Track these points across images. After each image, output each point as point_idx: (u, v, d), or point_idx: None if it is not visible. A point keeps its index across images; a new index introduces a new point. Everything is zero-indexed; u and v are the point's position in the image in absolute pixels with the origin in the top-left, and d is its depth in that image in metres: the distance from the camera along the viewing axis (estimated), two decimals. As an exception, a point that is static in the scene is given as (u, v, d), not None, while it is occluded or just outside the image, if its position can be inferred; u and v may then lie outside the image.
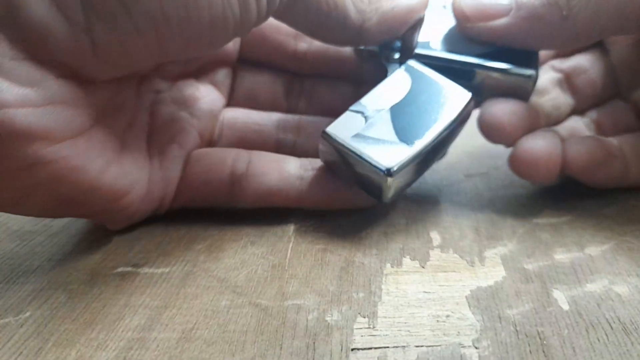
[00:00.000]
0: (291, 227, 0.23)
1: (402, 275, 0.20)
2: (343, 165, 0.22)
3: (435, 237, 0.22)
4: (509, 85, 0.23)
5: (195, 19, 0.18)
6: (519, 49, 0.23)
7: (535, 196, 0.25)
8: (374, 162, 0.20)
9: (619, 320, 0.17)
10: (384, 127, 0.21)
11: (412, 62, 0.23)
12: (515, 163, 0.23)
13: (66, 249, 0.22)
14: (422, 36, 0.24)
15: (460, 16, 0.23)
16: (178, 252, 0.21)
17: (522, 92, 0.23)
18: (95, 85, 0.18)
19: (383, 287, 0.19)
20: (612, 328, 0.16)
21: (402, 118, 0.22)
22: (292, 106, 0.26)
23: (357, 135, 0.21)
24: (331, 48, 0.26)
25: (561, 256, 0.20)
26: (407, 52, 0.24)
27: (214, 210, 0.24)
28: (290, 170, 0.23)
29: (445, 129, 0.21)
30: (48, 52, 0.16)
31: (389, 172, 0.20)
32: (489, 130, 0.23)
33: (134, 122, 0.22)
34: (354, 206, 0.23)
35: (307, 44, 0.26)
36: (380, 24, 0.22)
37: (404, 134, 0.21)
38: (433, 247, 0.21)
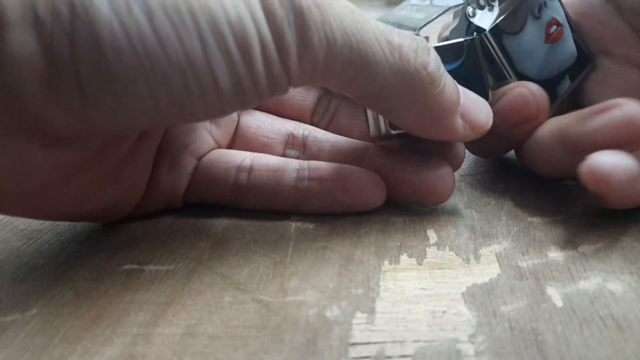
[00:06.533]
0: (292, 226, 0.23)
1: (400, 272, 0.20)
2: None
3: (432, 235, 0.22)
4: None
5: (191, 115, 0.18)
6: None
7: (529, 196, 0.25)
8: None
9: (613, 317, 0.17)
10: None
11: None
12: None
13: (72, 248, 0.22)
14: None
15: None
16: (182, 250, 0.22)
17: None
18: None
19: (381, 283, 0.19)
20: (605, 325, 0.17)
21: None
22: (314, 121, 0.27)
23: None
24: None
25: (555, 254, 0.21)
26: None
27: (217, 208, 0.25)
28: (285, 183, 0.24)
29: None
30: (41, 133, 0.17)
31: None
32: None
33: (142, 138, 0.22)
34: (348, 209, 0.24)
35: None
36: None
37: None
38: (430, 244, 0.22)
